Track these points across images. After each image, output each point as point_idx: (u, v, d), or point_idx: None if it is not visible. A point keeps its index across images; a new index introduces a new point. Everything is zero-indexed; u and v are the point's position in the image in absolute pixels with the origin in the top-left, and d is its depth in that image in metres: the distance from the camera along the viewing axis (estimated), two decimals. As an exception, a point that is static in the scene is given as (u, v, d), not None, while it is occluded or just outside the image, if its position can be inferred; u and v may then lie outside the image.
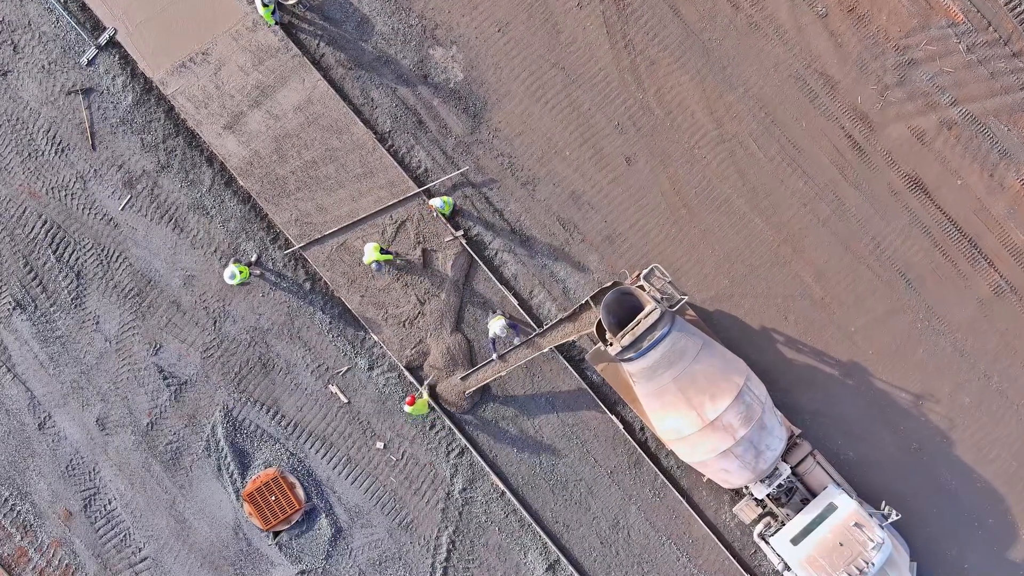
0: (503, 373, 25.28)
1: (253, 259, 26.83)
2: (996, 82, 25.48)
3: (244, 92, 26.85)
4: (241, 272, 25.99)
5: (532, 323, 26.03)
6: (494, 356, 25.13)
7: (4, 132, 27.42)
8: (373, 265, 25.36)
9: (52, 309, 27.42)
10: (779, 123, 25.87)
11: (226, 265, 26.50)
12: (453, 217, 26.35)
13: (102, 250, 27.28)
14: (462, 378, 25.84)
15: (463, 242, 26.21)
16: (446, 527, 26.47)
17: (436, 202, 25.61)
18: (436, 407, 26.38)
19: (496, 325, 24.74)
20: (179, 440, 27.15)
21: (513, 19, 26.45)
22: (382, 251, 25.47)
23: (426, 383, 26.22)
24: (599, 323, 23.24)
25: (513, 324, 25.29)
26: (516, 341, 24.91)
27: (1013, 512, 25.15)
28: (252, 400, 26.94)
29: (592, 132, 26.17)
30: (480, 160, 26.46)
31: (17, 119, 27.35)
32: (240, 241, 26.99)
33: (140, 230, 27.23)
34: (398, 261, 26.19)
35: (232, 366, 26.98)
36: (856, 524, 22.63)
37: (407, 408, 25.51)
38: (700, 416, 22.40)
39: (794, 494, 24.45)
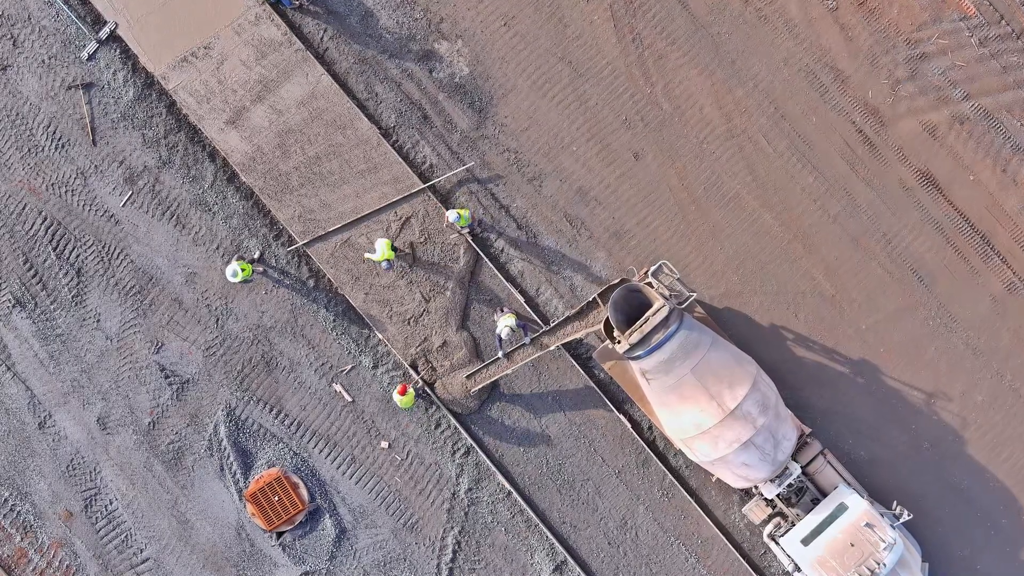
0: (509, 371, 25.02)
1: (256, 256, 26.60)
2: (1008, 76, 25.21)
3: (247, 87, 26.60)
4: (244, 269, 25.73)
5: (539, 321, 25.79)
6: (500, 354, 24.86)
7: (4, 127, 27.20)
8: (383, 263, 25.08)
9: (52, 307, 27.18)
10: (789, 118, 25.62)
11: (228, 262, 26.27)
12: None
13: (103, 247, 27.05)
14: (467, 376, 25.59)
15: (469, 239, 25.96)
16: (451, 528, 26.24)
17: (451, 215, 24.70)
18: (441, 404, 26.15)
19: (503, 323, 24.45)
20: (181, 439, 26.93)
21: (519, 13, 26.20)
22: (393, 248, 25.16)
23: (420, 375, 25.92)
24: (607, 321, 23.01)
25: (520, 322, 25.00)
26: (526, 339, 24.62)
27: (1027, 512, 24.95)
28: (255, 399, 26.71)
29: (599, 127, 25.92)
30: (486, 155, 26.20)
31: (17, 114, 27.13)
32: (243, 238, 26.76)
33: (141, 227, 27.00)
34: (406, 253, 25.86)
35: (235, 364, 26.75)
36: (867, 524, 22.42)
37: (397, 397, 25.19)
38: (721, 406, 22.16)
39: (804, 494, 24.25)
